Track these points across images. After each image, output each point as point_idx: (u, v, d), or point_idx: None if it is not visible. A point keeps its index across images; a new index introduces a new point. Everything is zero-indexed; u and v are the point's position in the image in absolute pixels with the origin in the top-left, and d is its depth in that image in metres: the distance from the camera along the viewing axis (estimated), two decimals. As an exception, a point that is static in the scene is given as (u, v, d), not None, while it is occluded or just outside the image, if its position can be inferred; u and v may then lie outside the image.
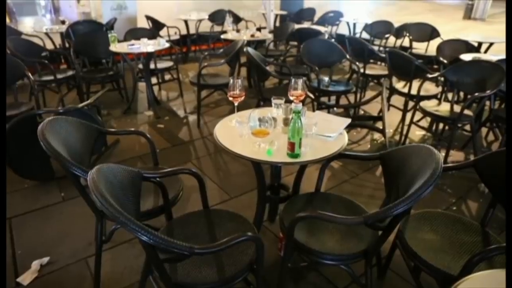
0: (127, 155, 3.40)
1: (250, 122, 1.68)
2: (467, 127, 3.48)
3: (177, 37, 6.55)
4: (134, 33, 4.72)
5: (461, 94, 4.04)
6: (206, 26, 7.00)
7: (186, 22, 6.83)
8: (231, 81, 1.90)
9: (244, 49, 3.47)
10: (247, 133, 1.75)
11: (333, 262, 1.58)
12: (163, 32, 6.35)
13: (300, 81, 1.90)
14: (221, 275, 1.44)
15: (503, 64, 3.10)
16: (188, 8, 7.38)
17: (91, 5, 6.52)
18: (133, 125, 4.11)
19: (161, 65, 4.70)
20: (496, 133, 3.79)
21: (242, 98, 1.95)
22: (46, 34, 5.46)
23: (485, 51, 4.95)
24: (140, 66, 4.47)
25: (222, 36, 5.02)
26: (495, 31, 10.31)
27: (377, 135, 3.78)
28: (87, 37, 4.48)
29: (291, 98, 1.91)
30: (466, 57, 3.93)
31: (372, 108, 4.32)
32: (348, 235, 1.65)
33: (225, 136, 1.84)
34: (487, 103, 3.57)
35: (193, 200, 2.49)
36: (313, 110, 3.77)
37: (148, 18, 6.24)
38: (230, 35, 4.97)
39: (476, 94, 3.05)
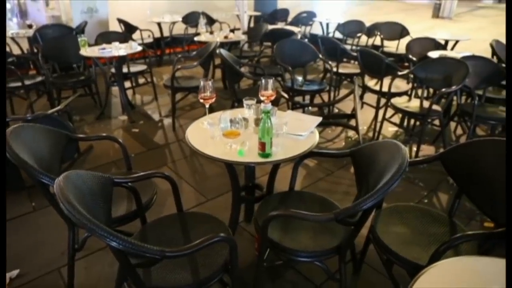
0: (101, 161, 3.33)
1: (221, 123, 1.69)
2: (437, 122, 3.59)
3: (150, 40, 6.47)
4: (106, 37, 4.64)
5: (431, 90, 4.17)
6: (180, 29, 6.95)
7: (159, 24, 6.76)
8: (201, 83, 1.90)
9: (217, 51, 3.47)
10: (218, 135, 1.76)
11: (307, 259, 1.60)
12: (136, 35, 6.25)
13: (270, 82, 1.92)
14: (196, 277, 1.44)
15: (467, 61, 3.22)
16: (161, 11, 7.32)
17: (61, 8, 6.36)
18: (107, 130, 4.04)
19: (135, 68, 4.63)
20: (464, 127, 3.93)
21: (213, 100, 1.95)
22: (12, 39, 5.29)
23: (452, 49, 5.12)
24: (113, 70, 4.40)
25: (196, 38, 5.00)
26: (461, 29, 10.71)
27: (351, 133, 3.86)
28: (56, 41, 4.37)
29: (262, 98, 1.92)
30: (434, 54, 4.05)
31: (347, 106, 4.40)
32: (321, 232, 1.67)
33: (197, 139, 1.84)
34: (455, 98, 3.70)
35: (169, 203, 2.47)
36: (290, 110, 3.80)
37: (120, 21, 6.14)
38: (204, 37, 4.96)
39: (443, 90, 3.16)
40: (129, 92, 4.96)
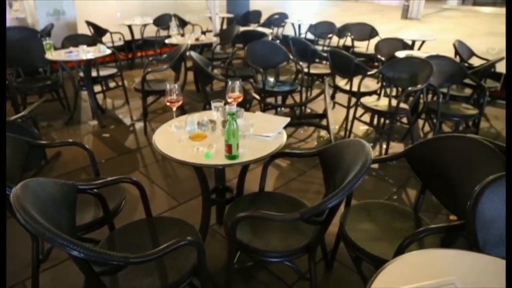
0: (69, 167, 3.24)
1: (187, 126, 1.68)
2: (405, 120, 3.70)
3: (121, 43, 6.35)
4: (73, 40, 4.51)
5: (400, 89, 4.28)
6: (151, 31, 6.85)
7: (130, 27, 6.64)
8: (168, 86, 1.88)
9: (187, 53, 3.45)
10: (185, 138, 1.74)
11: (277, 259, 1.61)
12: (106, 38, 6.13)
13: (237, 83, 1.92)
14: (164, 282, 1.42)
15: (431, 60, 3.33)
16: (132, 13, 7.20)
17: (26, 10, 6.14)
18: (76, 136, 3.93)
19: (104, 72, 4.53)
20: (431, 124, 4.05)
21: (180, 102, 1.93)
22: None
23: (419, 48, 5.28)
24: (81, 74, 4.29)
25: (167, 41, 4.94)
26: (428, 30, 11.07)
27: (323, 132, 3.91)
28: (19, 44, 4.20)
29: (229, 100, 1.92)
30: (401, 54, 4.17)
31: (319, 106, 4.45)
32: (290, 232, 1.69)
33: (164, 142, 1.82)
34: (422, 96, 3.81)
35: (141, 208, 2.40)
36: (262, 111, 3.82)
37: (89, 24, 6.00)
38: (175, 39, 4.91)
39: (409, 88, 3.25)
40: (100, 96, 4.85)
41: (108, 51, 3.98)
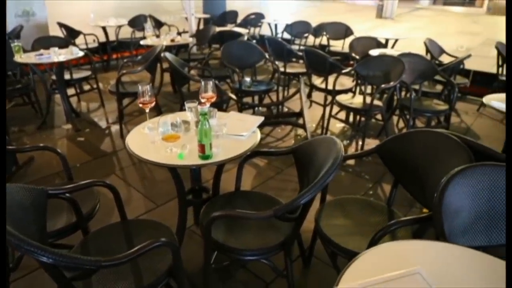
0: (43, 172, 3.16)
1: (159, 127, 1.67)
2: (380, 117, 3.77)
3: (95, 44, 6.23)
4: (44, 42, 4.39)
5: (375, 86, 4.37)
6: (126, 32, 6.75)
7: (104, 28, 6.52)
8: (140, 88, 1.86)
9: (162, 55, 3.42)
10: (158, 139, 1.73)
11: (253, 257, 1.62)
12: (80, 40, 6.02)
13: (210, 83, 1.92)
14: (139, 285, 1.41)
15: (403, 58, 3.41)
16: (106, 14, 7.07)
17: (-6, 12, 5.94)
18: (49, 140, 3.83)
19: (78, 75, 4.44)
20: (405, 120, 4.15)
21: (153, 104, 1.92)
22: None
23: (392, 47, 5.40)
24: (54, 77, 4.18)
25: (142, 42, 4.88)
26: (402, 29, 11.34)
27: (300, 131, 3.95)
28: (-13, 48, 4.07)
29: (203, 100, 1.92)
30: (374, 52, 4.25)
31: (296, 105, 4.48)
32: (266, 230, 1.70)
33: (137, 144, 1.80)
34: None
35: (117, 212, 2.40)
36: (239, 111, 3.82)
37: (61, 25, 5.86)
38: (150, 40, 4.86)
39: (383, 86, 3.32)
40: (74, 100, 4.75)
41: (81, 53, 3.90)
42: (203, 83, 1.92)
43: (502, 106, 2.49)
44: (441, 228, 1.33)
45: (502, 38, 5.12)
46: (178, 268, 1.46)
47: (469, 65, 4.81)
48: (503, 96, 2.74)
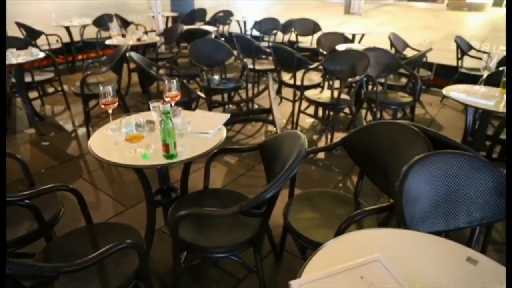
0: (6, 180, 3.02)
1: (122, 128, 1.63)
2: (348, 110, 3.84)
3: (59, 45, 6.02)
4: (2, 44, 4.20)
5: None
6: (92, 32, 6.56)
7: (68, 28, 6.31)
8: (101, 88, 1.81)
9: (127, 54, 3.35)
10: (122, 140, 1.70)
11: (222, 254, 1.62)
12: (42, 40, 5.79)
13: (174, 82, 1.90)
14: (105, 290, 1.38)
15: (368, 52, 3.49)
16: (69, 14, 6.85)
17: None
18: (11, 146, 3.68)
19: (40, 77, 4.28)
20: (373, 113, 4.26)
21: (115, 104, 1.87)
22: None
23: (359, 42, 5.51)
24: (14, 79, 4.01)
25: (107, 42, 4.77)
26: (369, 24, 11.60)
27: (271, 127, 3.97)
28: None
29: (167, 99, 1.90)
30: (341, 47, 4.32)
31: (267, 102, 4.49)
32: (234, 227, 1.70)
33: (101, 146, 1.75)
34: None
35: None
36: (209, 109, 3.80)
37: (20, 25, 5.62)
38: (115, 40, 4.75)
39: (349, 80, 3.38)
40: (37, 103, 4.58)
41: (42, 54, 3.76)
42: (166, 82, 1.89)
43: (460, 96, 2.60)
44: (402, 216, 1.37)
45: (461, 32, 5.32)
46: (145, 269, 1.44)
47: (432, 58, 4.98)
48: (461, 87, 2.85)
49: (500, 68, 2.76)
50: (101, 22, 6.45)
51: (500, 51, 4.47)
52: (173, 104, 1.94)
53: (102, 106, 1.86)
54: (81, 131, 3.99)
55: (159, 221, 2.21)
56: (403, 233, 1.25)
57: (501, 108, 2.40)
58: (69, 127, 4.15)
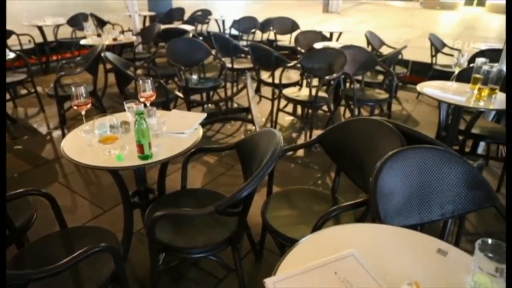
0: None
1: (95, 129, 1.60)
2: (326, 108, 3.88)
3: (31, 45, 5.85)
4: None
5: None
6: (67, 32, 6.40)
7: (40, 28, 6.14)
8: (73, 89, 1.77)
9: (102, 55, 3.28)
10: (95, 142, 1.66)
11: (200, 254, 1.61)
12: (13, 40, 5.60)
13: (149, 82, 1.87)
14: (80, 295, 1.35)
15: (345, 50, 3.54)
16: (42, 13, 6.66)
17: None
18: (-18, 150, 3.55)
19: (11, 78, 4.14)
20: (351, 110, 4.31)
21: (88, 105, 1.83)
22: None
23: (337, 40, 5.57)
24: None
25: (82, 42, 4.66)
26: (347, 22, 11.74)
27: (250, 126, 3.97)
28: None
29: (142, 99, 1.87)
30: (318, 46, 4.36)
31: (246, 101, 4.49)
32: (212, 227, 1.69)
33: (74, 148, 1.72)
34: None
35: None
36: (187, 109, 3.77)
37: (-11, 26, 5.42)
38: (91, 40, 4.65)
39: (326, 77, 3.42)
40: (9, 105, 4.44)
41: (12, 55, 3.65)
42: (141, 82, 1.87)
43: (433, 92, 2.66)
44: (376, 211, 1.39)
45: (435, 30, 5.45)
46: (121, 273, 1.41)
47: (408, 55, 5.08)
48: (434, 83, 2.92)
49: (471, 65, 2.84)
50: (76, 21, 6.31)
51: (471, 48, 4.61)
52: (148, 104, 1.92)
53: (75, 107, 1.82)
54: (56, 133, 3.89)
55: (138, 223, 2.18)
56: (377, 228, 1.27)
57: (472, 103, 2.47)
58: (43, 129, 4.03)
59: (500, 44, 3.27)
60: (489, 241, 0.94)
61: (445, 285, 0.97)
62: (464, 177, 1.47)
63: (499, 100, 2.54)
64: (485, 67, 2.47)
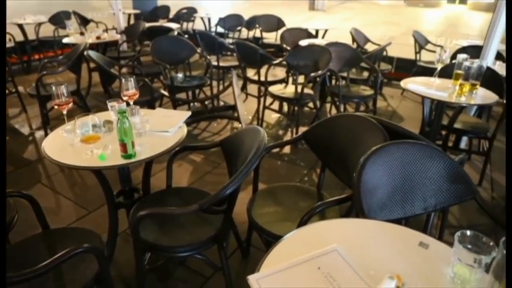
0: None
1: (77, 129, 1.57)
2: (312, 105, 3.90)
3: (12, 44, 5.72)
4: None
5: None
6: (49, 31, 6.28)
7: (21, 26, 6.01)
8: (54, 89, 1.74)
9: (85, 53, 3.23)
10: (77, 141, 1.64)
11: (186, 253, 1.60)
12: (-8, 40, 5.47)
13: (131, 80, 1.85)
14: (63, 297, 1.33)
15: (330, 47, 3.55)
16: (22, 10, 6.52)
17: None
18: (-38, 152, 3.46)
19: (-9, 78, 4.04)
20: (338, 107, 4.34)
21: (70, 105, 1.80)
22: None
23: (323, 37, 5.60)
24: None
25: (64, 41, 4.58)
26: (333, 20, 11.80)
27: (237, 123, 3.96)
28: None
29: (125, 98, 1.85)
30: (304, 43, 4.37)
31: (232, 98, 4.49)
32: (198, 225, 1.68)
33: (55, 149, 1.69)
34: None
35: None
36: (173, 107, 3.74)
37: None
38: (74, 38, 4.57)
39: (312, 74, 3.43)
40: (-11, 106, 4.33)
41: (-10, 54, 3.56)
42: (123, 80, 1.84)
43: (416, 88, 2.70)
44: (360, 206, 1.40)
45: (419, 28, 5.52)
46: (105, 274, 1.39)
47: (392, 52, 5.14)
48: (418, 79, 2.96)
49: (453, 61, 2.89)
50: (58, 19, 6.19)
51: (453, 45, 4.68)
52: (131, 103, 1.89)
53: (56, 107, 1.79)
54: (39, 134, 3.82)
55: (124, 224, 2.16)
56: (361, 223, 1.28)
57: (454, 98, 2.51)
58: (25, 130, 3.95)
59: (481, 41, 3.33)
60: (468, 233, 0.95)
61: (426, 277, 0.99)
62: (445, 171, 1.49)
63: (480, 95, 2.59)
64: (466, 63, 2.51)
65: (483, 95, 2.61)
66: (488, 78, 2.75)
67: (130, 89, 1.85)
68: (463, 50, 3.84)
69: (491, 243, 0.91)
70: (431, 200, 1.51)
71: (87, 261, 1.44)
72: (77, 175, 3.07)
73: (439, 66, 2.90)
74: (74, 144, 1.68)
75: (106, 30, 5.21)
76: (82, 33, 4.79)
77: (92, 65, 4.45)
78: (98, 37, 4.52)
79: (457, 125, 2.87)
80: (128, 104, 1.87)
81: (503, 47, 4.01)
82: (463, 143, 3.43)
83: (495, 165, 3.20)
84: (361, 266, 1.00)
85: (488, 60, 3.22)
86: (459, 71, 2.57)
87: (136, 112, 1.75)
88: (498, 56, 3.51)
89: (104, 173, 1.84)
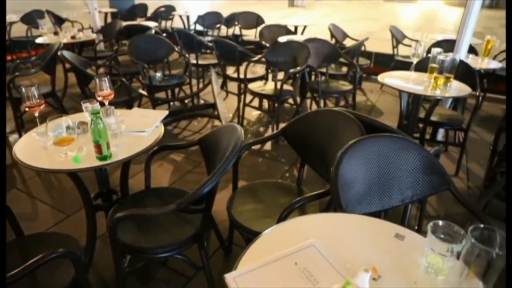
0: None
1: (49, 131, 1.53)
2: (292, 101, 3.91)
3: (-18, 45, 5.53)
4: None
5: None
6: (21, 30, 6.10)
7: (-9, 27, 5.81)
8: (23, 90, 1.69)
9: (59, 53, 3.15)
10: (50, 144, 1.59)
11: (166, 254, 1.58)
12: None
13: (106, 80, 1.81)
14: (38, 305, 1.29)
15: (309, 43, 3.57)
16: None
17: None
18: None
19: (-39, 81, 3.90)
20: (318, 102, 4.37)
21: (41, 106, 1.76)
22: None
23: (302, 33, 5.62)
24: None
25: (37, 41, 4.45)
26: (312, 16, 11.87)
27: (217, 122, 3.94)
28: None
29: (99, 98, 1.81)
30: (283, 39, 4.38)
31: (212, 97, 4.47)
32: (178, 225, 1.67)
33: (27, 152, 1.64)
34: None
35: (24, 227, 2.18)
36: (153, 108, 3.69)
37: None
38: (47, 38, 4.45)
39: (291, 70, 3.44)
40: (-40, 110, 4.17)
41: (-40, 56, 3.43)
42: (97, 80, 1.80)
43: (393, 82, 2.74)
44: (338, 200, 1.41)
45: (397, 23, 5.59)
46: (82, 279, 1.36)
47: (371, 47, 5.20)
48: (395, 73, 3.01)
49: (429, 55, 2.94)
50: (31, 19, 6.01)
51: (429, 39, 4.76)
52: (106, 103, 1.86)
53: (26, 109, 1.74)
54: (13, 137, 3.71)
55: (103, 226, 2.12)
56: (339, 217, 1.29)
57: (429, 92, 2.56)
58: (-1, 134, 3.83)
59: (455, 35, 3.41)
60: (440, 223, 0.97)
61: (401, 268, 1.00)
62: (420, 163, 1.52)
63: (454, 88, 2.65)
64: (440, 57, 2.56)
65: (457, 88, 2.67)
66: (461, 71, 2.81)
67: (105, 89, 1.81)
68: (437, 44, 3.92)
69: (462, 232, 0.93)
70: (408, 191, 1.54)
71: (64, 266, 1.40)
72: (54, 178, 3.00)
73: (414, 60, 2.94)
74: (47, 147, 1.63)
75: (81, 30, 5.10)
76: (56, 33, 4.67)
77: (68, 65, 4.35)
78: (73, 37, 4.41)
79: (433, 118, 2.93)
80: (103, 104, 1.83)
81: (475, 41, 4.12)
82: (440, 135, 3.51)
83: (470, 155, 3.29)
84: (338, 260, 1.01)
85: (461, 53, 3.30)
86: (434, 65, 2.62)
87: (111, 112, 1.71)
88: (471, 50, 3.60)
89: (80, 176, 1.80)
